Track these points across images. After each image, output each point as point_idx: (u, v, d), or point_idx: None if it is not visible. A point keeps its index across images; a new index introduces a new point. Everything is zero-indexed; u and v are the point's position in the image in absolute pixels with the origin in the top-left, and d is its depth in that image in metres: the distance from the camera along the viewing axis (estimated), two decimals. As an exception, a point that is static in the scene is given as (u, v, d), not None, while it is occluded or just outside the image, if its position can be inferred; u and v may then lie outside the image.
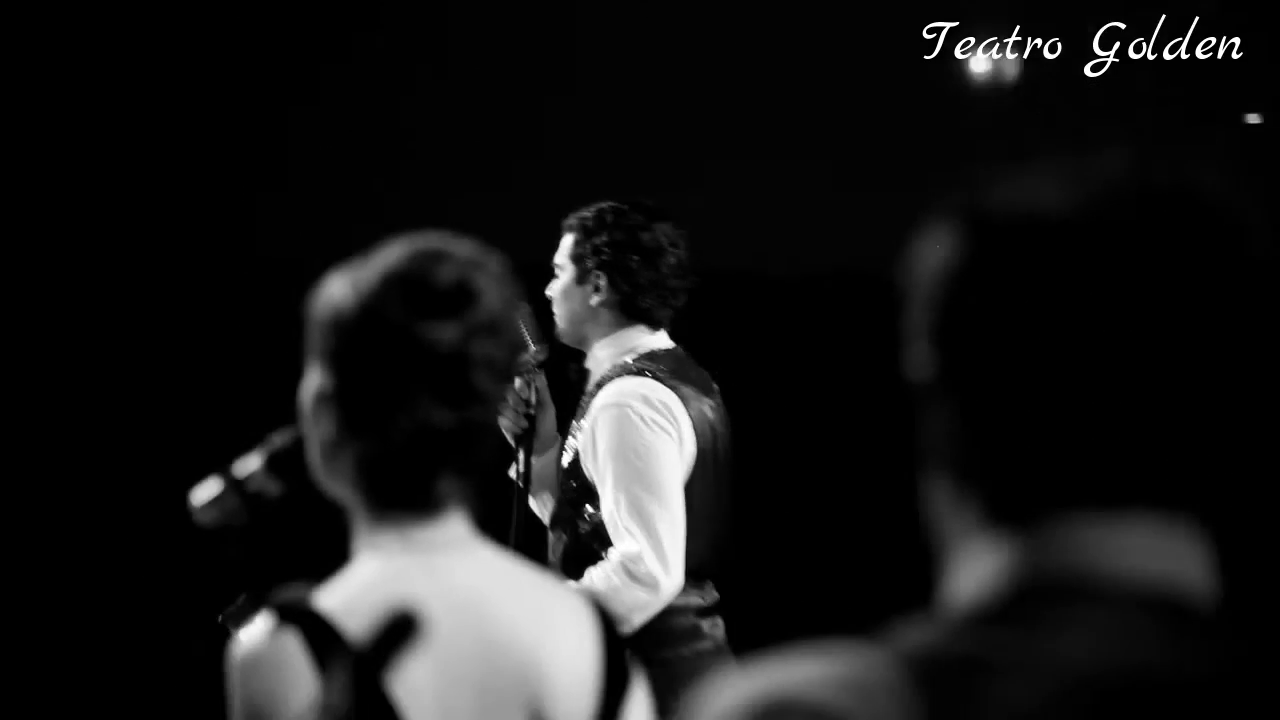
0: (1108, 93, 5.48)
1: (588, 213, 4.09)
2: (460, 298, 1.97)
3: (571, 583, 3.95)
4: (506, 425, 4.13)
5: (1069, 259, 1.17)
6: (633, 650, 3.82)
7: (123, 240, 5.83)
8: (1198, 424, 1.18)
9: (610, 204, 4.09)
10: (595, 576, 3.92)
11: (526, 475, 4.14)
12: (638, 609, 3.88)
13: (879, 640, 1.17)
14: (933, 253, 1.21)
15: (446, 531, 2.01)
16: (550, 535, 4.15)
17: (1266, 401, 1.19)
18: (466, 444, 1.99)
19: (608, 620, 2.06)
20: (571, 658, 2.01)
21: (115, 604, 5.76)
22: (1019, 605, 1.17)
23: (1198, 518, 1.20)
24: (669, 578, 3.88)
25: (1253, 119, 5.71)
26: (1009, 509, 1.19)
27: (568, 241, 4.11)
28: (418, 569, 1.97)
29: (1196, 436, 1.18)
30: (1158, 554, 1.18)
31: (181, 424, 5.74)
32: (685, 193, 5.41)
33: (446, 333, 1.96)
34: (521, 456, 4.15)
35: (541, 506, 4.24)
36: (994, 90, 5.69)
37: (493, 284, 2.00)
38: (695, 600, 4.03)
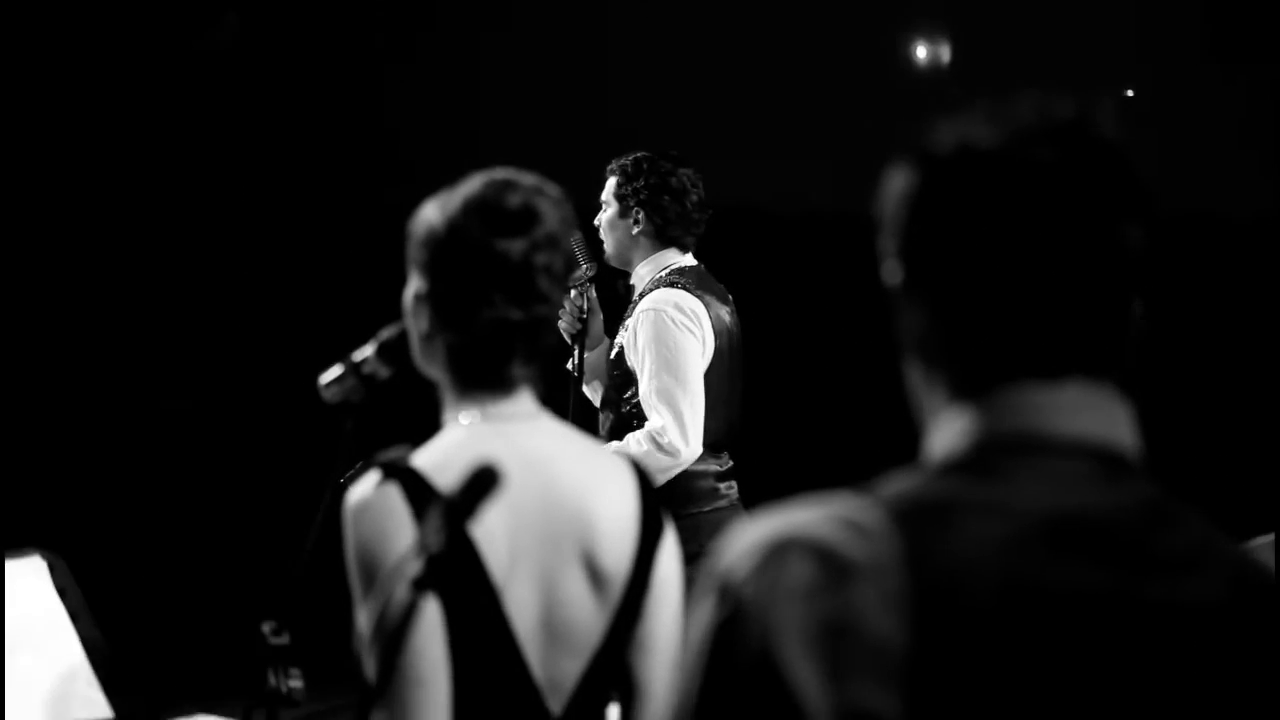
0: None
1: (627, 160, 4.15)
2: (526, 218, 1.96)
3: (613, 444, 3.97)
4: (564, 327, 4.16)
5: (997, 180, 1.17)
6: (664, 506, 3.90)
7: (276, 185, 5.81)
8: (1108, 303, 1.17)
9: (644, 153, 4.15)
10: (630, 442, 3.97)
11: (580, 367, 4.18)
12: (661, 471, 3.92)
13: (867, 489, 1.16)
14: (893, 184, 1.21)
15: (517, 406, 1.99)
16: (600, 414, 4.19)
17: (1151, 280, 1.19)
18: (533, 335, 1.98)
19: (645, 480, 2.04)
20: (616, 509, 1.99)
21: (262, 468, 5.78)
22: (980, 457, 1.16)
23: (1118, 384, 1.19)
24: (688, 448, 3.92)
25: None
26: (969, 383, 1.19)
27: (611, 183, 4.16)
28: (494, 435, 1.96)
29: (1108, 314, 1.18)
30: (1091, 413, 1.17)
31: (318, 325, 5.73)
32: (710, 142, 5.35)
33: (515, 246, 1.95)
34: (576, 352, 4.18)
35: (593, 392, 4.27)
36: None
37: (552, 207, 1.99)
38: (714, 466, 4.06)
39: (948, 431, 1.18)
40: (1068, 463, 1.15)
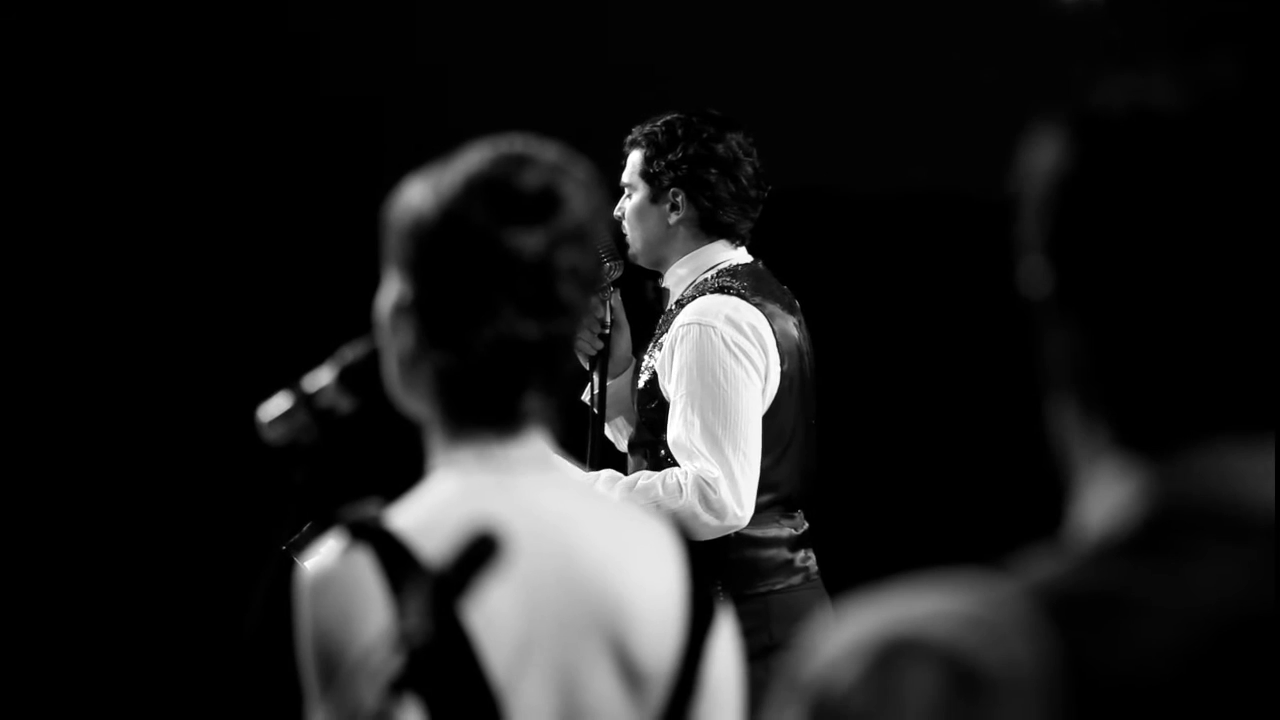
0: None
1: (654, 126, 4.06)
2: (545, 204, 1.96)
3: (641, 479, 3.90)
4: (581, 347, 4.11)
5: (1191, 157, 1.14)
6: (722, 585, 3.86)
7: (176, 135, 5.83)
8: None
9: (676, 116, 4.06)
10: (663, 484, 3.87)
11: (601, 399, 4.13)
12: (706, 532, 3.83)
13: (1004, 573, 1.14)
14: (1041, 158, 1.19)
15: (528, 450, 1.99)
16: (629, 460, 4.14)
17: None
18: (551, 358, 1.97)
19: (691, 549, 2.03)
20: (655, 590, 1.99)
21: (174, 527, 5.78)
22: (1156, 536, 1.14)
23: None
24: (741, 510, 3.84)
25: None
26: (1140, 433, 1.17)
27: (636, 158, 4.08)
28: (497, 488, 1.96)
29: None
30: None
31: (249, 337, 5.74)
32: (766, 105, 5.35)
33: (531, 240, 1.94)
34: (596, 379, 4.13)
35: (616, 432, 4.23)
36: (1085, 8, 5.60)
37: (579, 190, 1.98)
38: (786, 531, 4.01)
39: (1111, 495, 1.17)
40: (1272, 548, 1.13)
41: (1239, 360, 1.14)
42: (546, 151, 2.00)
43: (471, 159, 1.98)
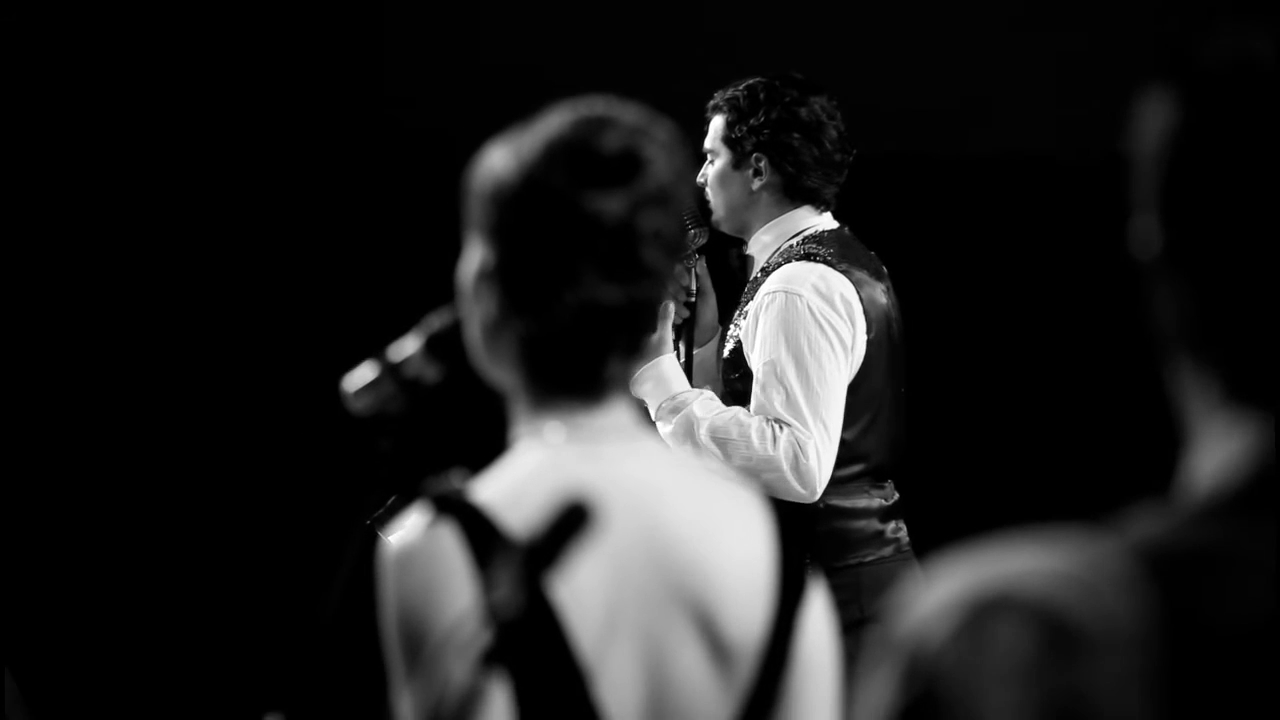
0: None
1: (736, 91, 4.05)
2: (627, 166, 1.94)
3: (740, 414, 3.86)
4: (666, 314, 4.09)
5: None
6: (811, 557, 3.84)
7: (265, 110, 5.85)
8: None
9: (758, 80, 4.04)
10: (761, 425, 3.83)
11: (688, 367, 4.12)
12: (784, 494, 3.80)
13: (1108, 529, 1.13)
14: (1151, 117, 1.19)
15: (613, 418, 1.97)
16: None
17: None
18: (635, 324, 1.96)
19: (784, 519, 2.01)
20: (745, 562, 1.97)
21: (263, 497, 5.81)
22: (1262, 492, 1.14)
23: None
24: (820, 484, 3.83)
25: None
26: (1252, 387, 1.16)
27: (718, 124, 4.07)
28: (583, 458, 1.94)
29: None
30: None
31: (335, 305, 5.76)
32: (849, 68, 5.30)
33: (613, 203, 1.93)
34: (682, 348, 4.12)
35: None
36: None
37: (661, 152, 1.97)
38: (877, 501, 4.00)
39: (1221, 450, 1.16)
40: None
41: None
42: (627, 113, 1.98)
43: (552, 122, 1.97)
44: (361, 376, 2.16)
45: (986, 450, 5.57)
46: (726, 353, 4.03)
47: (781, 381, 3.84)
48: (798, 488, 3.80)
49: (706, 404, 3.90)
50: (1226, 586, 1.10)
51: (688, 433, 3.85)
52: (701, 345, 4.19)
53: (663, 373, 3.92)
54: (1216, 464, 1.16)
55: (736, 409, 3.89)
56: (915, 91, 5.54)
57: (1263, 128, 1.14)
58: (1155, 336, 1.21)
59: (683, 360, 4.12)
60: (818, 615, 2.01)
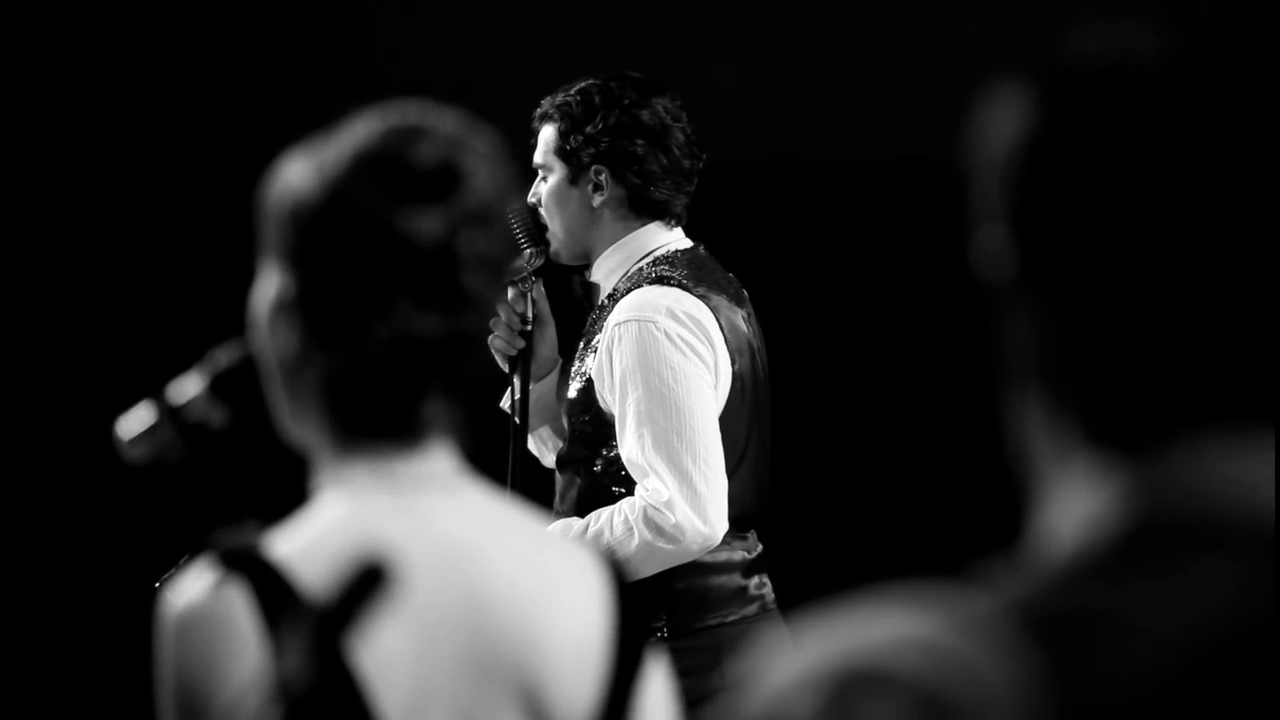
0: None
1: (567, 96, 4.02)
2: (444, 181, 1.95)
3: (578, 522, 3.90)
4: (499, 346, 4.09)
5: (1173, 118, 1.14)
6: (668, 618, 3.85)
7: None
8: None
9: (591, 82, 4.02)
10: (610, 521, 3.86)
11: (524, 406, 4.10)
12: (672, 561, 3.83)
13: (974, 591, 1.14)
14: (1005, 120, 1.19)
15: (430, 465, 1.98)
16: (558, 478, 4.12)
17: None
18: (455, 358, 1.96)
19: (622, 583, 2.03)
20: (574, 631, 1.98)
21: (29, 560, 5.75)
22: (1139, 549, 1.15)
23: None
24: (707, 528, 3.82)
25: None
26: (1118, 430, 1.17)
27: (549, 135, 4.05)
28: (394, 511, 1.95)
29: None
30: None
31: (108, 340, 5.70)
32: (707, 71, 5.35)
33: (429, 223, 1.93)
34: (517, 383, 4.11)
35: (540, 444, 4.21)
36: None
37: (482, 164, 1.98)
38: (739, 554, 4.00)
39: (1085, 501, 1.17)
40: (1271, 560, 1.13)
41: (1227, 346, 1.15)
42: (444, 121, 1.99)
43: (359, 131, 1.97)
44: (137, 420, 2.15)
45: (860, 496, 5.62)
46: (574, 392, 4.01)
47: (649, 423, 3.82)
48: (673, 548, 3.80)
49: (565, 531, 3.90)
50: (1107, 655, 1.10)
51: None
52: (540, 379, 4.18)
53: None
54: (1082, 516, 1.17)
55: (588, 524, 3.90)
56: (775, 90, 5.59)
57: (1139, 137, 1.15)
58: (1001, 367, 1.21)
59: (518, 397, 4.10)
60: (657, 690, 2.02)
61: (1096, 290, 1.15)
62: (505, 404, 4.16)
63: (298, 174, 1.97)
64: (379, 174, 1.94)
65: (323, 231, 1.94)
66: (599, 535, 3.85)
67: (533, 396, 4.15)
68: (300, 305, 1.96)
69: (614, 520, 3.85)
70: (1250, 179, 1.14)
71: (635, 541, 3.81)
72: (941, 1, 5.56)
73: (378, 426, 1.96)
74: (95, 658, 5.62)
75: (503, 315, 4.07)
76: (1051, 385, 1.19)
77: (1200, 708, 1.09)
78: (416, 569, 1.88)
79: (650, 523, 3.81)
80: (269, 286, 1.99)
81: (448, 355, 1.95)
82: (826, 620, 1.14)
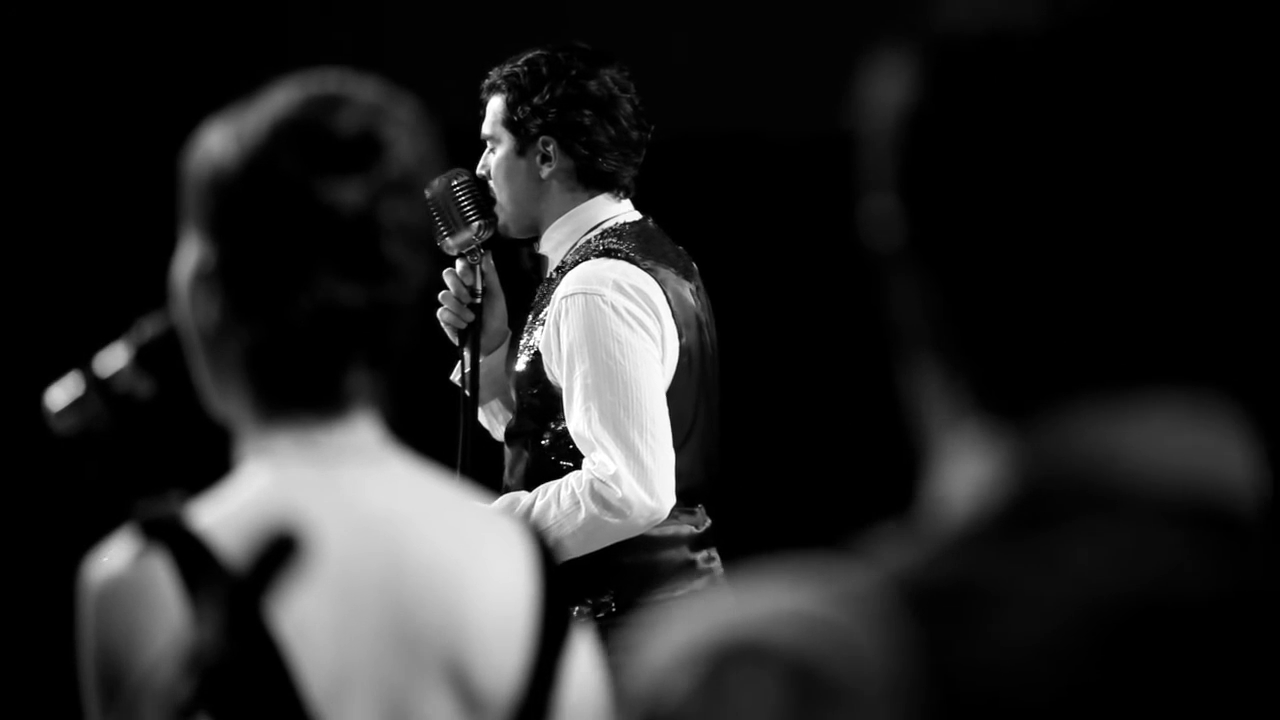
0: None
1: (515, 67, 4.03)
2: (365, 150, 1.95)
3: (525, 496, 3.91)
4: (448, 320, 4.10)
5: (1051, 83, 1.15)
6: (615, 593, 3.86)
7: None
8: (1219, 270, 1.16)
9: (538, 52, 4.04)
10: (556, 496, 3.88)
11: (474, 379, 4.11)
12: (620, 535, 3.86)
13: (859, 561, 1.15)
14: (887, 87, 1.20)
15: (354, 436, 1.98)
16: (507, 452, 4.13)
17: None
18: (378, 327, 1.97)
19: (544, 553, 2.03)
20: (499, 602, 1.98)
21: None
22: (1025, 517, 1.16)
23: (1233, 394, 1.18)
24: (654, 501, 3.84)
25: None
26: (1003, 395, 1.18)
27: (497, 105, 4.06)
28: (316, 481, 1.95)
29: (1228, 290, 1.17)
30: (1188, 444, 1.16)
31: (34, 312, 5.69)
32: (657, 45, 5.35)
33: (350, 192, 1.94)
34: (467, 356, 4.11)
35: (491, 417, 4.22)
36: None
37: (403, 133, 1.98)
38: (686, 528, 4.01)
39: (974, 468, 1.18)
40: (1153, 524, 1.14)
41: (1108, 310, 1.15)
42: (364, 90, 1.99)
43: (278, 100, 1.97)
44: (65, 392, 2.15)
45: (809, 467, 5.63)
46: (522, 365, 4.03)
47: (595, 397, 3.84)
48: (619, 521, 3.82)
49: (510, 508, 3.91)
50: (988, 626, 1.11)
51: None
52: (490, 352, 4.18)
53: None
54: (972, 483, 1.18)
55: (534, 498, 3.92)
56: (727, 56, 5.59)
57: (1019, 103, 1.15)
58: (891, 335, 1.22)
59: (467, 369, 4.11)
60: (584, 665, 2.02)
61: (981, 258, 1.16)
62: (455, 377, 4.17)
63: (217, 143, 1.97)
64: (299, 143, 1.94)
65: (242, 201, 1.94)
66: (545, 509, 3.87)
67: (483, 370, 4.15)
68: (220, 276, 1.96)
69: (560, 494, 3.87)
70: (1127, 143, 1.15)
71: (582, 515, 3.83)
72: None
73: (300, 397, 1.96)
74: (23, 631, 5.61)
75: (451, 287, 4.09)
76: (941, 352, 1.20)
77: (1085, 678, 1.10)
78: (336, 538, 1.89)
79: (597, 496, 3.82)
80: (189, 257, 1.99)
81: (370, 325, 1.95)
82: (708, 599, 1.15)
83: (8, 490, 5.57)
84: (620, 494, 3.81)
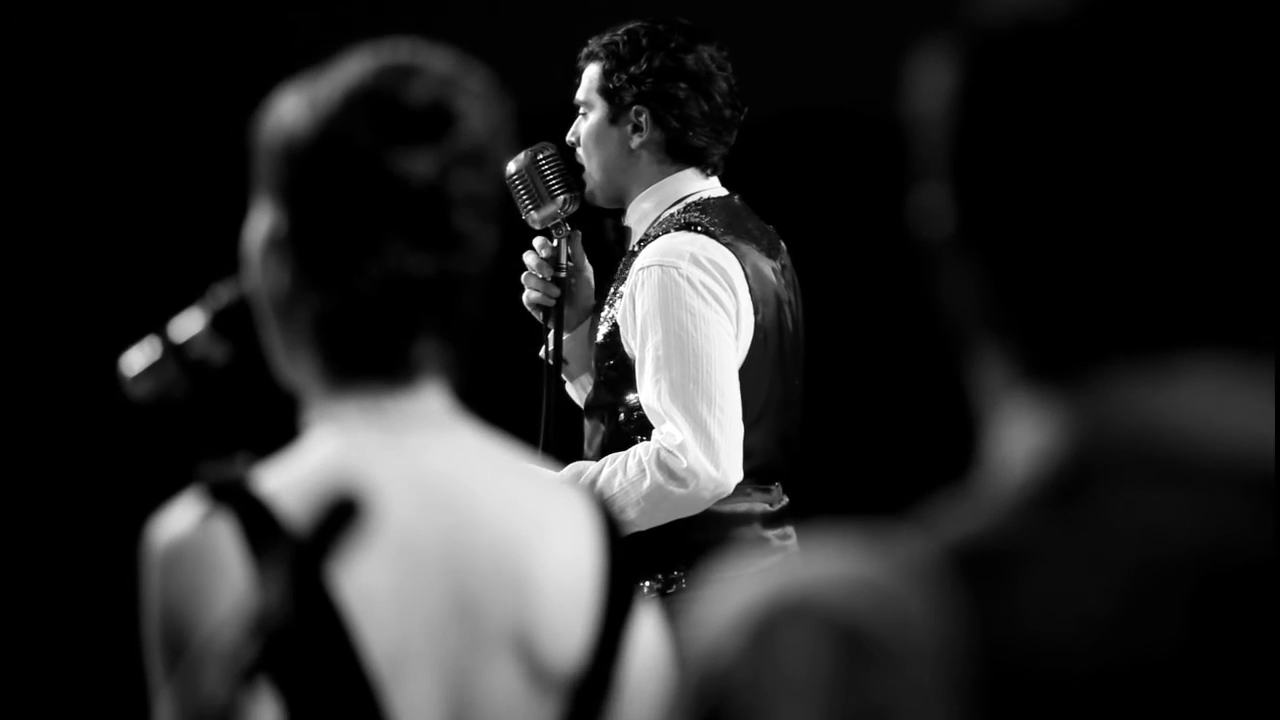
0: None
1: (615, 36, 4.04)
2: (437, 121, 1.96)
3: (593, 464, 3.92)
4: (534, 299, 4.12)
5: (1082, 64, 1.19)
6: (685, 567, 3.85)
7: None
8: (1261, 241, 1.19)
9: (639, 24, 4.05)
10: (623, 466, 3.89)
11: (557, 354, 4.12)
12: (685, 507, 3.85)
13: (914, 527, 1.17)
14: (932, 80, 1.24)
15: (421, 404, 1.99)
16: (586, 425, 4.14)
17: None
18: (447, 297, 1.98)
19: (610, 526, 2.04)
20: (564, 573, 1.99)
21: (34, 495, 5.79)
22: (1074, 481, 1.18)
23: (1270, 355, 1.20)
24: (719, 473, 3.83)
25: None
26: (1052, 363, 1.21)
27: (593, 73, 4.07)
28: (382, 447, 1.96)
29: (1262, 256, 1.19)
30: (1232, 408, 1.18)
31: (107, 277, 5.73)
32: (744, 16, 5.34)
33: (420, 163, 1.95)
34: (553, 332, 4.12)
35: (581, 392, 4.23)
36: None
37: (475, 104, 1.99)
38: (761, 506, 4.02)
39: (1026, 435, 1.21)
40: (1206, 486, 1.16)
41: (1150, 275, 1.19)
42: (437, 61, 2.00)
43: (351, 69, 1.98)
44: (141, 358, 2.17)
45: (892, 446, 5.60)
46: (600, 337, 4.04)
47: (665, 369, 3.84)
48: (684, 491, 3.81)
49: (574, 469, 3.93)
50: (1036, 589, 1.13)
51: None
52: (576, 328, 4.20)
53: None
54: (1025, 448, 1.20)
55: (601, 468, 3.93)
56: (828, 39, 5.58)
57: (1055, 87, 1.19)
58: (947, 316, 1.25)
59: (554, 346, 4.12)
60: (648, 636, 2.03)
61: (1029, 236, 1.20)
62: (544, 352, 4.18)
63: (290, 110, 1.98)
64: (372, 112, 1.95)
65: (314, 169, 1.96)
66: (611, 477, 3.88)
67: (570, 345, 4.17)
68: (291, 243, 1.97)
69: (628, 463, 3.88)
70: (1159, 118, 1.18)
71: (647, 483, 3.83)
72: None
73: (368, 365, 1.98)
74: (97, 591, 5.66)
75: (532, 264, 4.10)
76: (993, 329, 1.23)
77: (1163, 632, 1.12)
78: (401, 505, 1.90)
79: (663, 465, 3.83)
80: (261, 223, 2.00)
81: (439, 295, 1.96)
82: (768, 564, 1.17)
83: (89, 454, 5.63)
84: (685, 463, 3.81)
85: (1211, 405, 1.18)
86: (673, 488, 3.82)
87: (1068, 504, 1.17)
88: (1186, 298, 1.19)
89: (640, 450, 3.87)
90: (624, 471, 3.87)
